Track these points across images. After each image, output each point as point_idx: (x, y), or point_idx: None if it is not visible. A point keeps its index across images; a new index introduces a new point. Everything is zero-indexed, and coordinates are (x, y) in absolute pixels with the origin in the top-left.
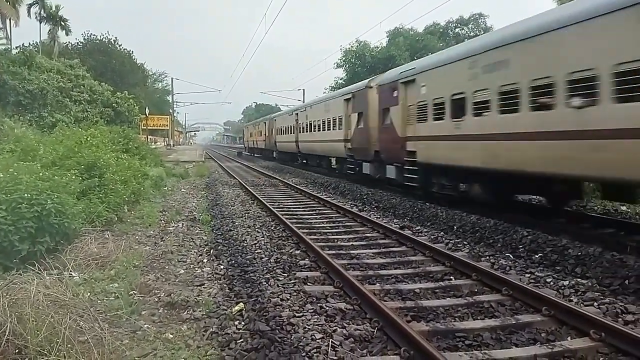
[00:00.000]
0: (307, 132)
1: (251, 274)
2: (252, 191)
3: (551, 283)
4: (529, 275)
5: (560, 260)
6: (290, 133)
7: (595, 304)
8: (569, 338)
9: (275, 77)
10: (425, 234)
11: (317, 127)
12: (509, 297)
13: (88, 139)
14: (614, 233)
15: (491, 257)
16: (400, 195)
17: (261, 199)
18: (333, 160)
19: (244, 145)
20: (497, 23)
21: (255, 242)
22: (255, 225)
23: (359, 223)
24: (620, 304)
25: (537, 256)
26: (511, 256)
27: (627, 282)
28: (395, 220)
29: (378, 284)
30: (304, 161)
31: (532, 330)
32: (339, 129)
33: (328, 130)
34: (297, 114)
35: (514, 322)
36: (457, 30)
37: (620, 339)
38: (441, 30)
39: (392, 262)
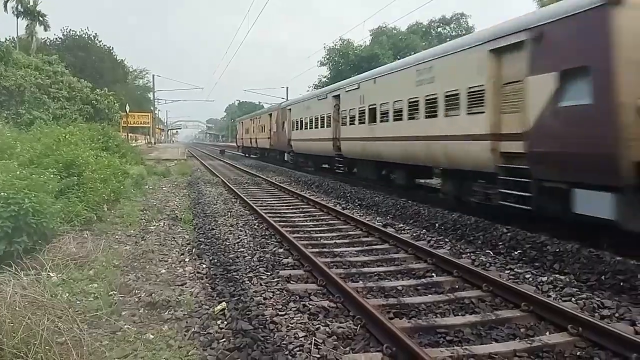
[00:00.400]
0: (360, 124)
1: (234, 273)
2: (235, 189)
3: (530, 279)
4: (508, 271)
5: (539, 256)
6: (321, 126)
7: (573, 299)
8: (547, 333)
9: (258, 76)
10: (408, 231)
11: (386, 116)
12: (489, 293)
13: (66, 136)
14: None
15: (472, 254)
16: (382, 193)
17: (244, 197)
18: (410, 171)
19: (237, 144)
20: (478, 23)
21: (238, 240)
22: (238, 223)
23: (342, 221)
24: (597, 299)
25: (516, 253)
26: (491, 253)
27: (603, 277)
28: (378, 218)
29: (361, 282)
30: (351, 170)
31: (512, 326)
32: (469, 113)
33: (427, 117)
34: (337, 96)
35: (494, 317)
36: (439, 29)
37: (596, 334)
38: (424, 29)
39: (375, 259)
